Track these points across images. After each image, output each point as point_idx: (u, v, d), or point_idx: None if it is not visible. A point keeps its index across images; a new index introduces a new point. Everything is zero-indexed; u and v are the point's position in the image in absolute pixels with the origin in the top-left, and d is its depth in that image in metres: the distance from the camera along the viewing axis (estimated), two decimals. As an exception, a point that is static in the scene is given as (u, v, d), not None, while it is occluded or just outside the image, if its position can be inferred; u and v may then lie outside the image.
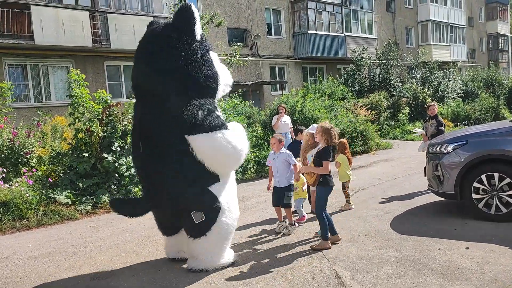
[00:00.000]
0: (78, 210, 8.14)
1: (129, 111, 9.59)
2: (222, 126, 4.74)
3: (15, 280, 4.95)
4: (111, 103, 9.23)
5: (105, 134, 8.97)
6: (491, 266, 4.33)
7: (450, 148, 6.05)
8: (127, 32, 15.95)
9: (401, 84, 22.38)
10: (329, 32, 24.48)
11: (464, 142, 5.97)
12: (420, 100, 19.93)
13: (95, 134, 8.93)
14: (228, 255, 5.00)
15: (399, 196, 7.88)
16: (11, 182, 8.15)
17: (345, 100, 18.93)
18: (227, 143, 4.66)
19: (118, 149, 8.99)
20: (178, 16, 4.89)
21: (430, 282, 4.08)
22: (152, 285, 4.55)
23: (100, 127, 9.00)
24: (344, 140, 7.34)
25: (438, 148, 6.28)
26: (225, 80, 5.13)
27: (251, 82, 20.08)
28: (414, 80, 22.20)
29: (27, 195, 7.88)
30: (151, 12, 16.89)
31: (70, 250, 6.00)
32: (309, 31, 23.42)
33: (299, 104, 13.09)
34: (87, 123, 9.30)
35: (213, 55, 5.03)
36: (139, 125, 4.94)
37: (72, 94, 9.35)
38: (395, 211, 6.80)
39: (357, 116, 15.34)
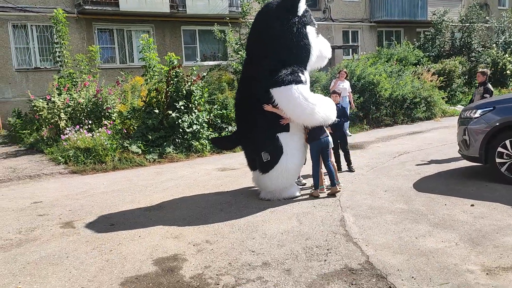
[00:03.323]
0: (146, 159, 9.39)
1: (194, 73, 10.59)
2: (299, 82, 5.66)
3: (88, 207, 6.20)
4: (176, 65, 10.24)
5: (170, 93, 10.06)
6: (484, 220, 4.70)
7: (478, 113, 6.23)
8: (202, -2, 16.91)
9: (483, 49, 21.10)
10: (409, -7, 23.50)
11: (492, 108, 6.12)
12: (499, 67, 18.80)
13: (161, 93, 10.05)
14: (292, 191, 6.07)
15: (438, 160, 8.12)
16: (93, 132, 9.61)
17: (417, 66, 18.51)
18: (299, 94, 5.56)
19: (182, 107, 10.06)
20: None
21: (420, 228, 4.59)
22: (189, 216, 5.52)
23: (166, 87, 10.10)
24: None
25: (468, 113, 6.46)
26: (320, 52, 6.11)
27: (321, 46, 20.21)
28: (495, 45, 20.82)
29: (106, 143, 9.27)
30: (225, -23, 17.60)
31: (134, 189, 7.19)
32: (386, -7, 22.72)
33: (359, 69, 13.24)
34: (156, 83, 10.49)
35: (310, 29, 5.96)
36: (242, 77, 6.46)
37: (143, 58, 10.52)
38: (426, 173, 7.14)
39: (423, 82, 15.08)
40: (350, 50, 22.56)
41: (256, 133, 5.99)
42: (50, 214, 5.88)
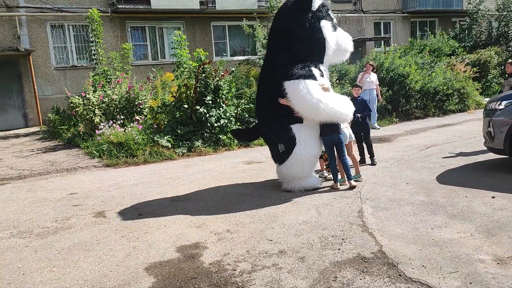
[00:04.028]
0: (176, 152, 9.71)
1: (221, 68, 10.82)
2: (308, 77, 5.83)
3: (119, 198, 6.54)
4: (205, 61, 10.50)
5: (199, 88, 10.33)
6: (502, 212, 4.69)
7: (503, 104, 6.15)
8: (231, -7, 17.16)
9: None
10: (443, -18, 22.94)
11: (517, 99, 6.03)
12: (539, 57, 18.09)
13: (190, 88, 10.34)
14: (312, 181, 6.23)
15: (466, 153, 8.03)
16: (125, 127, 10.01)
17: (452, 57, 18.09)
18: (305, 89, 5.73)
19: (210, 102, 10.31)
20: None
21: (437, 220, 4.63)
22: (212, 207, 5.75)
23: (195, 82, 10.37)
24: None
25: (493, 105, 6.38)
26: (338, 46, 6.21)
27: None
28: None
29: (137, 138, 9.65)
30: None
31: (162, 182, 7.50)
32: (419, -17, 22.26)
33: (387, 61, 13.11)
34: (186, 79, 10.79)
35: (325, 24, 6.09)
36: (262, 69, 6.63)
37: (175, 54, 10.84)
38: (451, 165, 7.10)
39: (457, 73, 14.75)
40: (382, 42, 22.26)
41: (272, 124, 6.21)
42: (84, 205, 6.25)
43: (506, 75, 8.41)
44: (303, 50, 6.00)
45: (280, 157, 6.25)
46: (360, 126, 7.23)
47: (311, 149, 6.07)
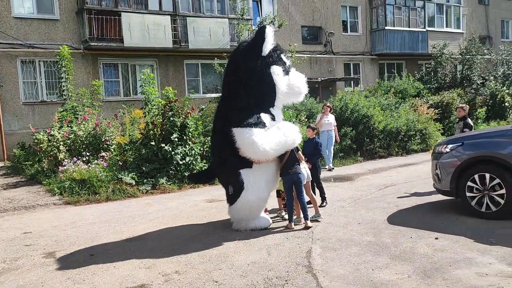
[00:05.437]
0: (140, 190, 9.69)
1: (188, 106, 11.01)
2: (255, 125, 6.00)
3: (73, 238, 6.48)
4: (172, 99, 10.67)
5: (165, 126, 10.44)
6: (442, 253, 4.86)
7: (448, 148, 6.45)
8: (204, 33, 17.62)
9: (483, 81, 21.32)
10: (409, 27, 24.07)
11: (460, 143, 6.34)
12: (498, 99, 18.97)
13: (157, 126, 10.45)
14: (258, 223, 6.35)
15: (421, 193, 8.28)
16: (89, 164, 9.98)
17: (417, 98, 18.77)
18: (251, 139, 5.86)
19: (176, 139, 10.42)
20: (254, 35, 6.48)
21: (379, 261, 4.77)
22: (166, 247, 5.76)
23: (162, 120, 10.50)
24: None
25: (440, 148, 6.68)
26: (291, 89, 6.42)
27: (321, 79, 20.69)
28: (493, 77, 21.06)
29: (100, 174, 9.62)
30: (226, 14, 18.32)
31: (121, 220, 7.46)
32: (386, 27, 23.30)
33: (352, 102, 13.56)
34: (154, 116, 10.91)
35: (276, 69, 6.30)
36: (216, 112, 6.77)
37: (142, 92, 10.99)
38: (404, 205, 7.32)
39: (419, 115, 15.32)
40: (352, 82, 22.99)
41: (222, 167, 6.38)
42: (36, 244, 6.17)
43: (458, 119, 8.80)
44: (254, 95, 6.19)
45: (230, 198, 6.39)
46: (311, 169, 7.11)
47: (258, 193, 6.17)
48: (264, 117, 6.14)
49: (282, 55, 6.45)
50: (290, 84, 6.35)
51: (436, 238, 5.39)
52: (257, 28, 6.56)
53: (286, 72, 6.38)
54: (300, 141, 6.44)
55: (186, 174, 10.31)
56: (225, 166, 6.31)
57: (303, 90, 6.58)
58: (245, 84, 6.21)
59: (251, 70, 6.18)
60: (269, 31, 6.28)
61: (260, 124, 6.03)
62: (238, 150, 6.04)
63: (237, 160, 6.09)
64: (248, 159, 6.08)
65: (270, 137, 6.02)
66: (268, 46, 6.24)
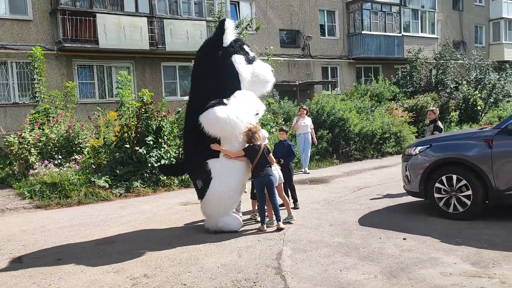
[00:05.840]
0: (113, 193, 9.57)
1: (163, 108, 10.93)
2: (215, 104, 5.96)
3: (41, 242, 6.35)
4: (147, 102, 10.58)
5: (140, 129, 10.34)
6: (409, 253, 4.94)
7: (417, 150, 6.57)
8: (181, 36, 17.54)
9: (457, 85, 21.79)
10: (385, 32, 24.46)
11: (428, 145, 6.46)
12: (470, 103, 19.42)
13: (131, 128, 10.34)
14: (230, 222, 6.26)
15: (393, 195, 8.40)
16: (61, 167, 9.80)
17: (392, 101, 19.06)
18: (214, 116, 5.81)
19: (151, 142, 10.33)
20: (216, 29, 6.62)
21: (348, 261, 4.81)
22: (136, 250, 5.69)
23: (136, 123, 10.39)
24: None
25: (409, 150, 6.80)
26: (256, 77, 6.43)
27: (299, 82, 20.81)
28: (465, 82, 21.56)
29: (72, 178, 9.46)
30: (204, 17, 18.28)
31: (92, 224, 7.35)
32: (363, 32, 23.61)
33: (329, 105, 13.68)
34: (129, 119, 10.79)
35: (238, 58, 6.31)
36: (186, 110, 6.77)
37: (117, 94, 10.88)
38: (376, 207, 7.41)
39: (394, 118, 15.55)
40: (330, 85, 23.20)
41: (191, 160, 6.36)
42: (2, 249, 6.03)
43: (428, 122, 8.96)
44: (217, 85, 6.17)
45: (200, 193, 6.32)
46: (282, 171, 7.07)
47: (227, 183, 6.07)
48: (227, 102, 6.09)
49: (244, 46, 6.50)
50: (254, 72, 6.35)
51: (404, 239, 5.47)
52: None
53: (249, 61, 6.38)
54: (262, 106, 6.56)
55: (161, 177, 10.24)
56: (193, 160, 6.28)
57: (269, 79, 6.53)
58: (209, 75, 6.25)
59: (214, 61, 6.22)
60: (229, 23, 6.40)
61: (222, 104, 5.98)
62: (210, 139, 6.01)
63: (206, 152, 6.09)
64: (216, 151, 6.09)
65: (230, 107, 6.00)
66: (228, 37, 6.29)
